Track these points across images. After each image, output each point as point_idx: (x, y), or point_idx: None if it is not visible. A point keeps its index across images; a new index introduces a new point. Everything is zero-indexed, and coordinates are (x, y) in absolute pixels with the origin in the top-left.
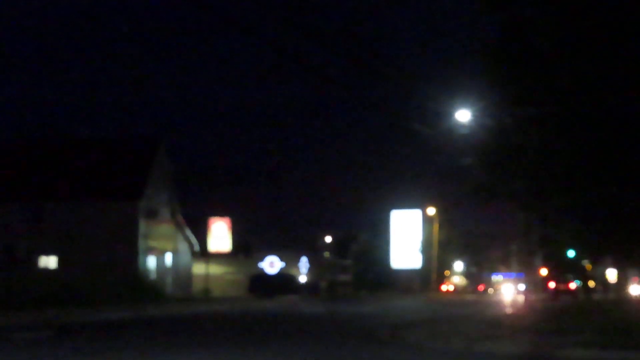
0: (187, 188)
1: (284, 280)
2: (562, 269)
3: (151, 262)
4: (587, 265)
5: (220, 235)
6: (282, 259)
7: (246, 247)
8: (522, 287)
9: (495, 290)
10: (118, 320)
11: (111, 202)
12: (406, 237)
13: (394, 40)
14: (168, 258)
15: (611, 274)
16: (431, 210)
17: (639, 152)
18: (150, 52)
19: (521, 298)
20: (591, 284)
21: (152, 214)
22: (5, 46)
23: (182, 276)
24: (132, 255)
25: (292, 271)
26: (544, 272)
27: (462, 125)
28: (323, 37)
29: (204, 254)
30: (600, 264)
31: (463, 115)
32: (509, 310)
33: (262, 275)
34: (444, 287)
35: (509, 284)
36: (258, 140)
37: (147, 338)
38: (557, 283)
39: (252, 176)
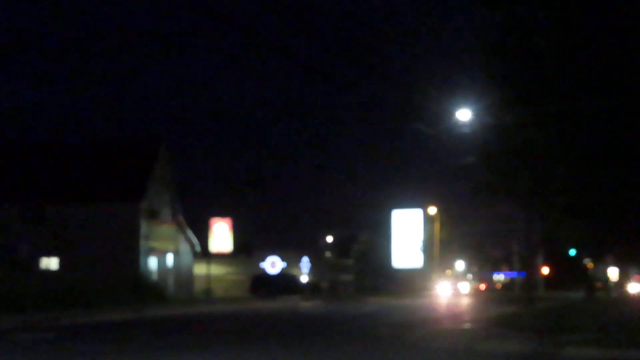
0: (188, 189)
1: (286, 281)
2: (564, 268)
3: (152, 263)
4: (588, 264)
5: (221, 235)
6: (283, 259)
7: (247, 247)
8: (464, 286)
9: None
10: (119, 321)
11: (112, 203)
12: (407, 237)
13: (394, 40)
14: (169, 259)
15: (613, 273)
16: (432, 210)
17: None
18: (152, 53)
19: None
20: (598, 284)
21: (153, 215)
22: (6, 48)
23: (183, 277)
24: (134, 256)
25: (294, 271)
26: (545, 270)
27: (463, 125)
28: (325, 38)
29: (205, 254)
30: (601, 262)
31: (464, 115)
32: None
33: (264, 276)
34: None
35: (446, 282)
36: (259, 140)
37: (148, 339)
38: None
39: (254, 176)
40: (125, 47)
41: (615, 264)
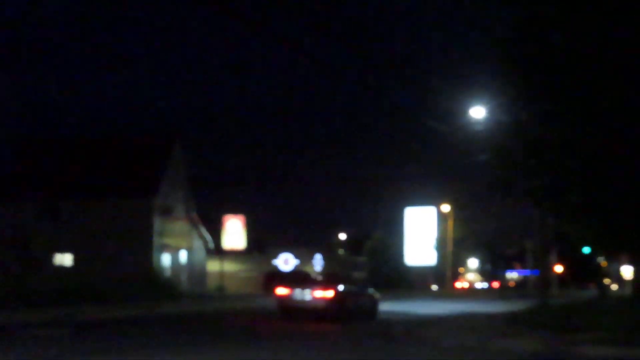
0: (202, 185)
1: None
2: (578, 266)
3: (166, 259)
4: (602, 262)
5: (234, 232)
6: (296, 257)
7: (260, 244)
8: None
9: None
10: (133, 317)
11: (126, 200)
12: (421, 234)
13: (410, 39)
14: (183, 255)
15: (627, 271)
16: (446, 207)
17: None
18: (168, 51)
19: None
20: (606, 281)
21: (167, 212)
22: (23, 44)
23: (196, 273)
24: (147, 253)
25: (307, 268)
26: (559, 269)
27: (477, 122)
28: (339, 37)
29: (218, 251)
30: (615, 260)
31: (478, 112)
32: None
33: (277, 273)
34: (458, 284)
35: None
36: (273, 137)
37: (162, 335)
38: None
39: (267, 173)
40: (143, 45)
41: (630, 262)
